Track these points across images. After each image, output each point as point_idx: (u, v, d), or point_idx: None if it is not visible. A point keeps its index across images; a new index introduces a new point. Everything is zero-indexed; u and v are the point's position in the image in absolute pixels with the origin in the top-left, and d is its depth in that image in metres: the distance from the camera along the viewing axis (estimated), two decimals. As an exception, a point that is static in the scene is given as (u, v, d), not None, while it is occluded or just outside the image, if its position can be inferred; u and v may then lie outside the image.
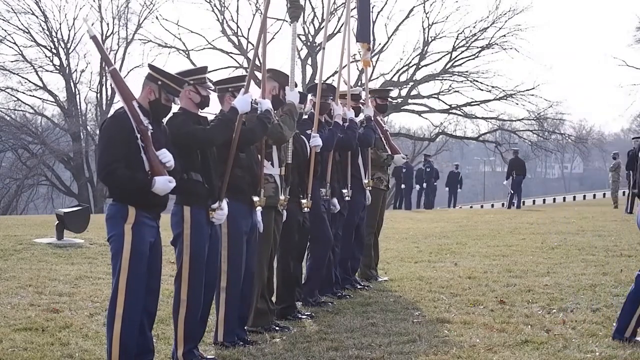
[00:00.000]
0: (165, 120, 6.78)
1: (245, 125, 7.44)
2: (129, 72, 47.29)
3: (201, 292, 7.01)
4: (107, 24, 48.25)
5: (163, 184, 6.28)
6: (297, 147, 8.79)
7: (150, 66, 6.60)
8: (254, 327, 8.09)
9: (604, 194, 50.69)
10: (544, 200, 56.93)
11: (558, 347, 7.43)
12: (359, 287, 10.78)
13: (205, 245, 6.98)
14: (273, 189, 8.17)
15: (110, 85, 6.75)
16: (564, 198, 60.18)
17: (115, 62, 46.87)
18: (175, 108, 6.81)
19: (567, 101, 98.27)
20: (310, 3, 46.70)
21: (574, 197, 59.36)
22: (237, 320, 7.69)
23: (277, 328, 8.22)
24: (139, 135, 6.29)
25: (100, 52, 6.82)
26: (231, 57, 48.22)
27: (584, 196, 58.97)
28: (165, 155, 6.37)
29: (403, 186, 34.25)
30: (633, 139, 28.51)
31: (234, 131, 7.20)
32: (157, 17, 47.85)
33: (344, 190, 10.33)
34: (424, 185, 35.94)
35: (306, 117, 9.58)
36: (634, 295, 7.57)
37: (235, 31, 47.63)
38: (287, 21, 9.27)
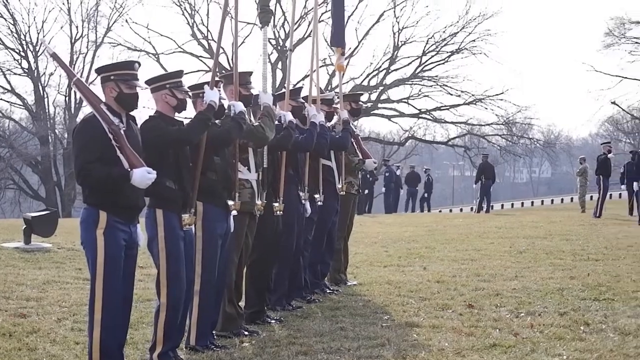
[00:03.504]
0: (139, 123, 6.79)
1: (220, 127, 7.45)
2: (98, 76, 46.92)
3: (181, 295, 6.99)
4: (77, 27, 48.07)
5: (142, 175, 6.26)
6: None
7: (97, 70, 6.64)
8: (222, 331, 8.07)
9: (572, 199, 50.94)
10: (513, 205, 57.18)
11: (526, 350, 7.47)
12: (328, 291, 10.79)
13: (181, 248, 6.96)
14: (249, 194, 8.17)
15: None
16: (532, 202, 60.44)
17: (84, 66, 46.80)
18: (151, 111, 6.83)
19: (536, 106, 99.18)
20: (281, 7, 46.74)
21: (542, 202, 59.59)
22: (210, 324, 7.69)
23: (246, 332, 8.21)
24: (112, 136, 6.28)
25: (62, 67, 6.77)
26: (201, 61, 48.18)
27: (552, 200, 59.20)
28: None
29: (367, 191, 34.35)
30: (602, 144, 28.79)
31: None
32: (126, 21, 47.73)
33: (316, 195, 10.34)
34: (383, 190, 36.06)
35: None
36: None
37: (206, 35, 47.59)
38: (258, 25, 9.27)
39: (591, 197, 33.67)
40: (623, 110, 58.14)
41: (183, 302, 7.08)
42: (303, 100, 10.03)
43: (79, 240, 6.59)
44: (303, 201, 9.71)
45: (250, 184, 8.22)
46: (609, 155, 26.58)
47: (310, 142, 9.69)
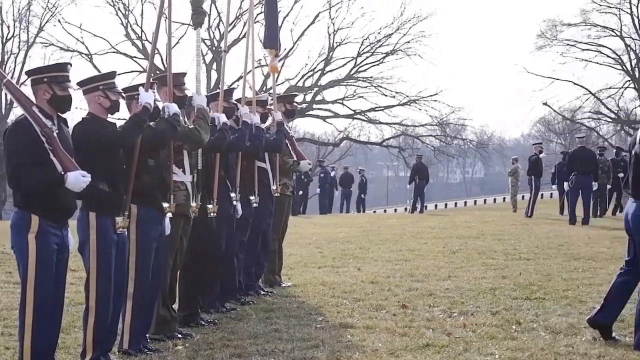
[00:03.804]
0: (71, 125, 6.72)
1: (153, 129, 7.40)
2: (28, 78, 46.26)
3: (110, 298, 6.92)
4: (8, 27, 47.26)
5: (76, 178, 6.19)
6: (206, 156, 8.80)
7: (28, 72, 6.57)
8: (156, 334, 8.01)
9: (504, 198, 51.59)
10: (446, 205, 57.65)
11: (459, 350, 7.53)
12: (262, 293, 10.77)
13: (113, 251, 6.89)
14: (184, 196, 8.12)
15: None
16: (465, 202, 61.03)
17: (15, 66, 46.06)
18: (83, 113, 6.75)
19: (469, 107, 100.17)
20: (216, 8, 46.55)
21: (475, 202, 60.23)
22: (143, 328, 7.63)
23: (179, 335, 8.16)
24: (44, 139, 6.20)
25: None
26: (135, 61, 47.80)
27: (485, 200, 59.87)
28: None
29: (301, 192, 34.40)
30: (533, 144, 29.17)
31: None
32: (59, 21, 47.08)
33: (251, 197, 10.32)
34: (318, 190, 36.15)
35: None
36: None
37: (140, 35, 47.19)
38: (191, 25, 9.22)
39: (523, 197, 34.13)
40: (554, 111, 59.00)
41: (112, 306, 7.01)
42: (236, 102, 10.01)
43: (9, 244, 6.50)
44: (234, 202, 9.66)
45: (185, 186, 8.17)
46: (540, 156, 26.96)
47: (242, 142, 9.67)
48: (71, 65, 6.72)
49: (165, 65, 8.21)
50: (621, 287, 7.93)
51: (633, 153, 7.71)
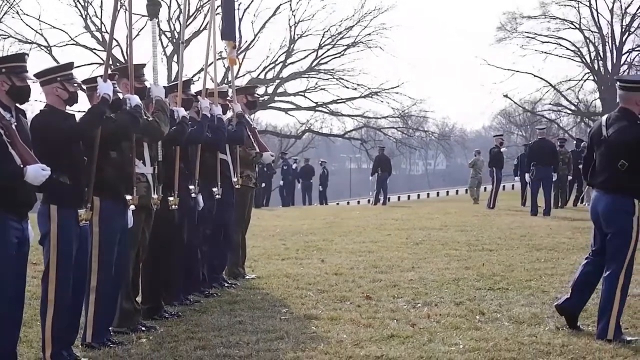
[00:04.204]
0: (30, 117, 6.64)
1: (115, 121, 7.33)
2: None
3: (69, 292, 6.85)
4: (-36, 19, 46.71)
5: (35, 171, 6.11)
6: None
7: None
8: (119, 327, 7.95)
9: (466, 190, 51.88)
10: (409, 197, 57.86)
11: (423, 340, 7.55)
12: (226, 285, 10.72)
13: (73, 244, 6.82)
14: (145, 188, 8.05)
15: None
16: (428, 194, 61.26)
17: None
18: (41, 105, 6.67)
19: (431, 99, 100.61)
20: (177, 0, 46.29)
21: (438, 193, 60.47)
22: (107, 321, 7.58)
23: (143, 328, 8.10)
24: (2, 132, 6.12)
25: None
26: (95, 53, 47.43)
27: (447, 192, 60.15)
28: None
29: (264, 185, 34.36)
30: (494, 136, 29.35)
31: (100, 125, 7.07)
32: (17, 12, 46.55)
33: (214, 189, 10.26)
34: (281, 183, 36.12)
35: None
36: (606, 296, 7.67)
37: (99, 27, 46.82)
38: (147, 16, 9.16)
39: (485, 188, 34.31)
40: (515, 103, 59.48)
41: (75, 299, 6.95)
42: (195, 94, 9.94)
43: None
44: (194, 195, 9.60)
45: (146, 178, 8.11)
46: (502, 149, 27.11)
47: (200, 134, 9.60)
48: (28, 55, 6.64)
49: (126, 57, 8.15)
50: (587, 277, 7.98)
51: (602, 137, 7.70)
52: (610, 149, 7.63)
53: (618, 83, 7.98)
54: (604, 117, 7.86)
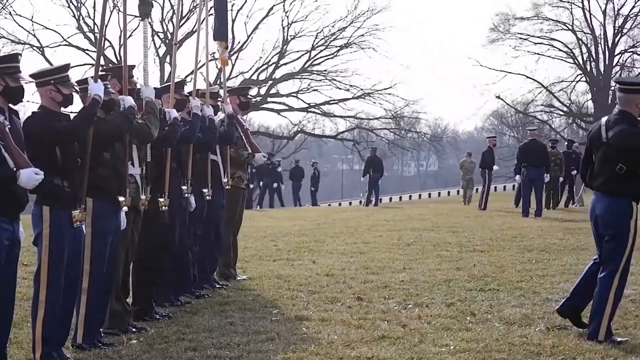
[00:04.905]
0: (23, 119, 6.63)
1: (109, 122, 7.33)
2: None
3: (60, 293, 6.85)
4: (-44, 20, 46.59)
5: (28, 176, 6.11)
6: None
7: None
8: (110, 329, 7.95)
9: (458, 191, 51.92)
10: (401, 198, 57.88)
11: (414, 341, 7.56)
12: (217, 286, 10.72)
13: (65, 246, 6.82)
14: (134, 189, 8.05)
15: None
16: (420, 195, 61.34)
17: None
18: (35, 106, 6.67)
19: (423, 100, 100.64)
20: (170, 1, 46.27)
21: (429, 194, 60.55)
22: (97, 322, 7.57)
23: (133, 329, 8.10)
24: None
25: None
26: (87, 54, 47.22)
27: (439, 193, 60.23)
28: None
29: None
30: (487, 137, 29.35)
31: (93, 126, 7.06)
32: (10, 13, 46.41)
33: (204, 190, 10.26)
34: (261, 183, 36.08)
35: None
36: (599, 297, 7.67)
37: (92, 28, 46.69)
38: (138, 17, 9.19)
39: (476, 189, 34.33)
40: (507, 104, 59.56)
41: (66, 300, 6.94)
42: (187, 94, 9.94)
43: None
44: (186, 195, 9.59)
45: (135, 179, 8.11)
46: (494, 149, 27.11)
47: (192, 134, 9.59)
48: (21, 55, 6.63)
49: (118, 58, 8.16)
50: (593, 277, 7.91)
51: (601, 140, 7.68)
52: (609, 151, 7.62)
53: (617, 85, 7.96)
54: (604, 119, 7.82)
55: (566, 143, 29.76)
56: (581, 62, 57.01)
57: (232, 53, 44.64)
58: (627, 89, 7.71)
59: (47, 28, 47.35)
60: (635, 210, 7.58)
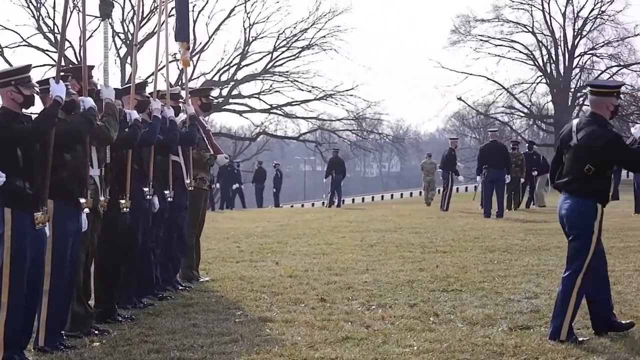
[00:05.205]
0: None
1: (69, 124, 7.27)
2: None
3: (22, 295, 6.79)
4: None
5: None
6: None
7: None
8: (72, 331, 7.88)
9: (421, 192, 52.15)
10: (363, 199, 57.94)
11: (378, 342, 7.57)
12: (180, 288, 10.68)
13: (27, 248, 6.76)
14: (93, 191, 7.98)
15: None
16: (382, 196, 61.45)
17: None
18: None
19: (385, 102, 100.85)
20: (130, 1, 46.03)
21: (392, 195, 60.72)
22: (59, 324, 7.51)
23: (96, 332, 8.04)
24: None
25: None
26: (47, 55, 46.95)
27: (401, 194, 60.41)
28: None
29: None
30: (450, 139, 29.49)
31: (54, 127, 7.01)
32: (-32, 13, 46.03)
33: (166, 192, 10.21)
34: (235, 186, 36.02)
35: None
36: (562, 297, 7.71)
37: (52, 28, 46.39)
38: (99, 17, 9.14)
39: (438, 190, 34.48)
40: (469, 106, 59.97)
41: (29, 303, 6.88)
42: (148, 95, 9.89)
43: None
44: (148, 197, 9.54)
45: (94, 180, 8.04)
46: (455, 150, 27.24)
47: (152, 136, 9.53)
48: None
49: (78, 58, 8.11)
50: (598, 272, 7.92)
51: (572, 144, 7.72)
52: (580, 152, 7.67)
53: (589, 88, 8.01)
54: (575, 121, 7.89)
55: (527, 144, 30.00)
56: (541, 64, 57.53)
57: (193, 54, 44.48)
58: (598, 92, 7.77)
59: (6, 28, 46.97)
60: (600, 212, 7.64)
